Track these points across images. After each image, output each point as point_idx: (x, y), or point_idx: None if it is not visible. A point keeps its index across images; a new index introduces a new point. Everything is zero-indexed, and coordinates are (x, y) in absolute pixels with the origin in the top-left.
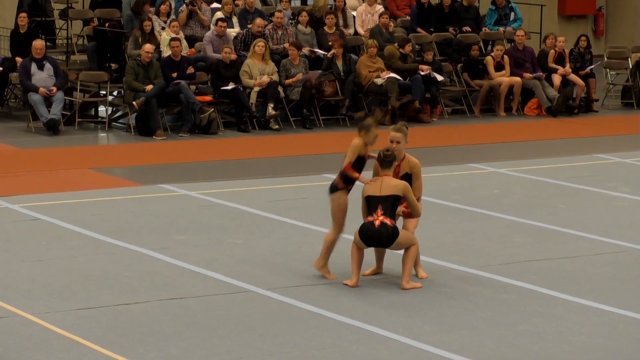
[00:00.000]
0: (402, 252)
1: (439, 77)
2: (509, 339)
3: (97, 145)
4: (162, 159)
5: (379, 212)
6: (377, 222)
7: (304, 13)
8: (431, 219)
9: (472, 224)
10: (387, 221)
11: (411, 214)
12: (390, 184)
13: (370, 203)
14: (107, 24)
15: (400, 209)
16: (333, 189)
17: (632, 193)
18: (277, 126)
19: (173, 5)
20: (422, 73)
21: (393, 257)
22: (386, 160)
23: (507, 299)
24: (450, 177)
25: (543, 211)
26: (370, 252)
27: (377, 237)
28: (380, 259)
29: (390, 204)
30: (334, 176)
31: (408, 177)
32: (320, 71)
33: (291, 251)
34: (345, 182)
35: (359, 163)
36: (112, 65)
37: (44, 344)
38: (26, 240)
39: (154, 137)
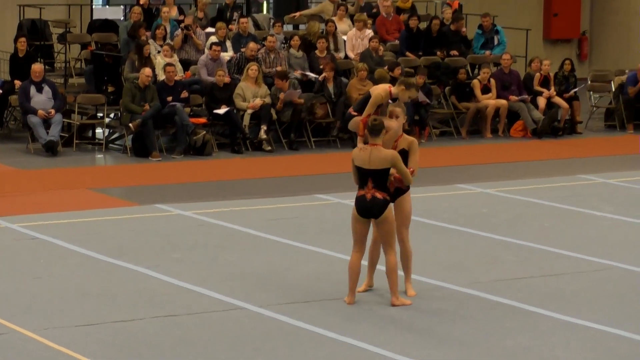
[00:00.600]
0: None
1: (427, 100)
2: (497, 354)
3: (94, 166)
4: (157, 179)
5: (370, 185)
6: (368, 196)
7: (296, 37)
8: (420, 237)
9: (461, 242)
10: (378, 194)
11: (402, 180)
12: (379, 156)
13: (360, 174)
14: (106, 47)
15: (392, 172)
16: (348, 117)
17: (615, 213)
18: (269, 147)
19: (169, 30)
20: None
21: (383, 273)
22: (375, 129)
23: (495, 315)
24: (439, 197)
25: (529, 230)
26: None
27: (369, 208)
28: (371, 270)
29: (380, 176)
30: (325, 197)
31: (405, 154)
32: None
33: (284, 269)
34: (356, 110)
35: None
36: (109, 88)
37: None
38: (25, 258)
39: (149, 158)
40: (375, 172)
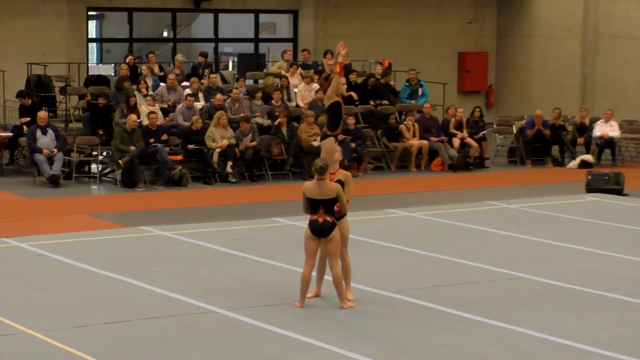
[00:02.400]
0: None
1: (346, 138)
2: (423, 349)
3: (90, 196)
4: (142, 206)
5: (321, 211)
6: (320, 220)
7: (260, 92)
8: (358, 253)
9: (391, 257)
10: (328, 218)
11: (340, 210)
12: (327, 188)
13: (312, 204)
14: (99, 99)
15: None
16: (323, 137)
17: (517, 232)
18: (234, 180)
19: (150, 84)
20: (339, 139)
21: (328, 284)
22: (322, 170)
23: (421, 317)
24: (373, 220)
25: (447, 246)
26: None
27: (320, 230)
28: (320, 281)
29: (329, 204)
30: (281, 220)
31: (341, 183)
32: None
33: (247, 279)
34: (330, 129)
35: (338, 112)
36: (101, 131)
37: (47, 356)
38: (33, 272)
39: (136, 188)
40: (324, 201)
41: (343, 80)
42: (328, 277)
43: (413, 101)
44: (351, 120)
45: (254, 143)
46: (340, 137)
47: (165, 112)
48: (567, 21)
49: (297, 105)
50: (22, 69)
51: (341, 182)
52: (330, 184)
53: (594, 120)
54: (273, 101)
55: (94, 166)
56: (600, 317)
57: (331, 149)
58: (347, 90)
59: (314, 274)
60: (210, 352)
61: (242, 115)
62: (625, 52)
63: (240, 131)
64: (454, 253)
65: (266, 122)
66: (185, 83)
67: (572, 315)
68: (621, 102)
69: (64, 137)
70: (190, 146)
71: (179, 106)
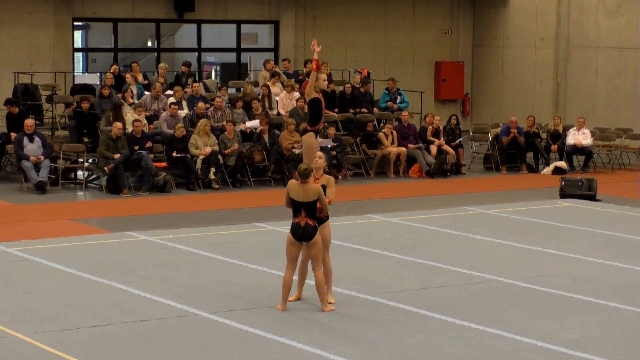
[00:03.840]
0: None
1: (330, 143)
2: (399, 350)
3: (76, 201)
4: (127, 211)
5: (303, 214)
6: (302, 223)
7: (240, 101)
8: (338, 257)
9: (370, 261)
10: (309, 222)
11: (322, 209)
12: (308, 190)
13: (294, 205)
14: (82, 103)
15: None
16: (304, 132)
17: (492, 237)
18: (217, 186)
19: (135, 92)
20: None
21: (309, 287)
22: (305, 174)
23: (398, 319)
24: (352, 224)
25: (424, 251)
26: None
27: (302, 234)
28: (301, 284)
29: (310, 206)
30: (262, 225)
31: (324, 188)
32: (251, 143)
33: (229, 283)
34: (311, 125)
35: (318, 107)
36: (87, 139)
37: (34, 359)
38: (20, 276)
39: (121, 194)
40: (306, 203)
41: (324, 75)
42: (309, 281)
43: (395, 105)
44: (331, 131)
45: (242, 150)
46: (320, 139)
47: (149, 119)
48: (540, 31)
49: (279, 113)
50: (8, 77)
51: (324, 187)
52: (312, 186)
53: (567, 128)
54: (253, 110)
55: (79, 173)
56: (571, 319)
57: (311, 143)
58: (326, 99)
59: (295, 277)
60: (193, 354)
61: (224, 123)
62: (595, 61)
63: (224, 135)
64: (431, 257)
65: (248, 128)
66: (169, 92)
67: (544, 317)
68: (591, 111)
69: (50, 145)
70: (177, 155)
71: (163, 114)
